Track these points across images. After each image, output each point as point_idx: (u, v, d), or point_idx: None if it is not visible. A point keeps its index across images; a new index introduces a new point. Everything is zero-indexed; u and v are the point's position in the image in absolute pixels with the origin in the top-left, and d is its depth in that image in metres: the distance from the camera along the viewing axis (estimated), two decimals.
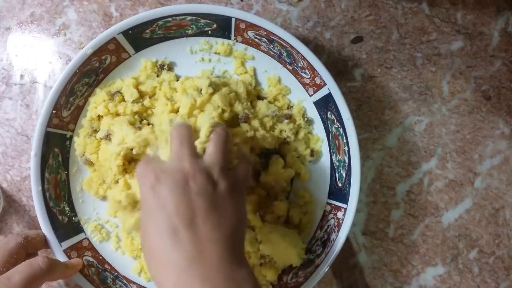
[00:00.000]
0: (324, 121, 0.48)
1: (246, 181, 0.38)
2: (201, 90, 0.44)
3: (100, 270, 0.47)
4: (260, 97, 0.49)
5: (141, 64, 0.49)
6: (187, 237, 0.32)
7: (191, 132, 0.37)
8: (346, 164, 0.45)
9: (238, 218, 0.35)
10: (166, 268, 0.32)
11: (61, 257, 0.45)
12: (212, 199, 0.34)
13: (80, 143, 0.47)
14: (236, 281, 0.32)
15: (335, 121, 0.46)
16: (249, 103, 0.47)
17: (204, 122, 0.39)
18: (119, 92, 0.47)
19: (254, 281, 0.33)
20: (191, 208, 0.33)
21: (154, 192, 0.34)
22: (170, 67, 0.49)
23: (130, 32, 0.46)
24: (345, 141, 0.45)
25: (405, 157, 0.52)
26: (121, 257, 0.48)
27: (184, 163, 0.35)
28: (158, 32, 0.47)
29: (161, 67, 0.49)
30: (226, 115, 0.43)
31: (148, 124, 0.46)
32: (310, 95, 0.48)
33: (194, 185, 0.34)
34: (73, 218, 0.47)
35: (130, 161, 0.46)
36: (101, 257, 0.48)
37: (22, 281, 0.38)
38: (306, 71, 0.46)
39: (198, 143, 0.37)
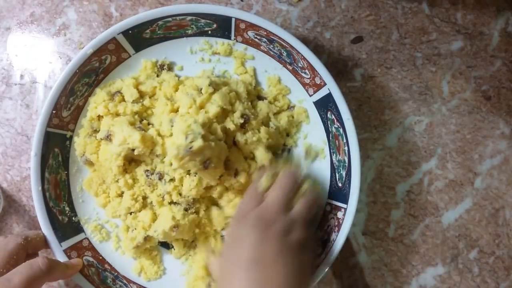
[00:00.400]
0: (324, 121, 0.48)
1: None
2: (201, 89, 0.44)
3: (100, 270, 0.47)
4: (260, 97, 0.49)
5: (141, 64, 0.49)
6: (255, 276, 0.37)
7: (294, 184, 0.43)
8: (346, 164, 0.45)
9: (306, 260, 0.41)
10: None
11: (61, 257, 0.45)
12: (282, 244, 0.39)
13: (80, 143, 0.47)
14: None
15: (335, 121, 0.46)
16: (249, 103, 0.47)
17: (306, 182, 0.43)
18: (119, 92, 0.47)
19: None
20: (262, 252, 0.38)
21: (238, 224, 0.41)
22: (170, 67, 0.49)
23: (130, 32, 0.46)
24: (345, 141, 0.45)
25: (405, 157, 0.52)
26: (121, 257, 0.48)
27: (270, 211, 0.40)
28: (158, 32, 0.47)
29: (161, 67, 0.49)
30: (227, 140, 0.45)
31: (148, 124, 0.46)
32: (310, 95, 0.48)
33: (270, 232, 0.39)
34: (73, 218, 0.47)
35: (130, 161, 0.46)
36: (101, 257, 0.48)
37: (22, 282, 0.38)
38: (306, 71, 0.46)
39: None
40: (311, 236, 0.42)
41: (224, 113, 0.45)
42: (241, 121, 0.44)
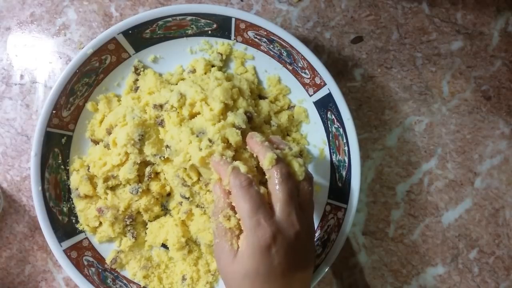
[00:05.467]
0: (324, 121, 0.48)
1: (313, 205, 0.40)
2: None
3: (100, 270, 0.47)
4: (261, 97, 0.49)
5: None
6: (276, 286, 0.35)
7: (259, 192, 0.36)
8: (346, 164, 0.45)
9: (313, 256, 0.39)
10: None
11: (61, 257, 0.45)
12: (292, 250, 0.36)
13: (75, 179, 0.47)
14: None
15: (335, 121, 0.46)
16: (252, 101, 0.47)
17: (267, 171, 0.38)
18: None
19: None
20: (280, 265, 0.35)
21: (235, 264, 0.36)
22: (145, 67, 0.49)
23: (130, 32, 0.46)
24: (345, 141, 0.45)
25: (405, 157, 0.52)
26: None
27: (262, 230, 0.35)
28: (158, 32, 0.47)
29: (136, 69, 0.49)
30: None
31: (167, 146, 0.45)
32: (310, 95, 0.48)
33: (275, 247, 0.35)
34: (73, 218, 0.47)
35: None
36: (101, 257, 0.48)
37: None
38: (306, 71, 0.46)
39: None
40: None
41: (226, 109, 0.44)
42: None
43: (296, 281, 0.36)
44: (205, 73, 0.48)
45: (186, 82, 0.45)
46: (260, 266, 0.34)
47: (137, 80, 0.49)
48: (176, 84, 0.48)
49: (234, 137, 0.40)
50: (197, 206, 0.46)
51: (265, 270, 0.35)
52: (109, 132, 0.46)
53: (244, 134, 0.41)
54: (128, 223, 0.47)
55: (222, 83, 0.44)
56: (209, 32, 0.48)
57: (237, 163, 0.38)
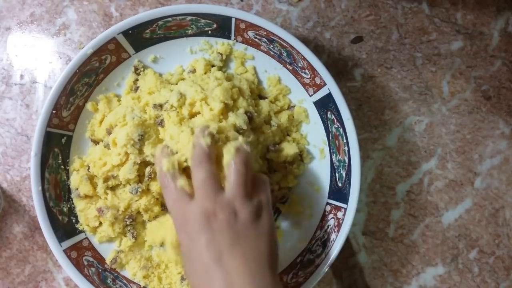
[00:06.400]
0: (324, 121, 0.48)
1: (270, 199, 0.39)
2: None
3: (100, 270, 0.47)
4: (261, 97, 0.49)
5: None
6: (217, 274, 0.34)
7: (212, 161, 0.37)
8: (346, 164, 0.45)
9: (265, 243, 0.36)
10: None
11: (61, 257, 0.45)
12: (235, 233, 0.35)
13: (75, 178, 0.47)
14: None
15: (335, 121, 0.46)
16: (253, 101, 0.47)
17: (227, 150, 0.38)
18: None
19: None
20: (217, 246, 0.35)
21: (185, 234, 0.36)
22: (145, 68, 0.49)
23: (130, 32, 0.46)
24: (345, 141, 0.45)
25: (405, 157, 0.52)
26: None
27: (206, 202, 0.35)
28: (158, 32, 0.47)
29: (136, 69, 0.49)
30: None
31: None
32: (310, 95, 0.48)
33: (216, 223, 0.35)
34: (73, 218, 0.47)
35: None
36: (101, 257, 0.48)
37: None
38: (306, 71, 0.46)
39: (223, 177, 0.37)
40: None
41: (226, 109, 0.44)
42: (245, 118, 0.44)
43: (231, 268, 0.35)
44: (205, 73, 0.48)
45: (186, 82, 0.45)
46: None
47: (137, 80, 0.49)
48: (176, 84, 0.48)
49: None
50: None
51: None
52: (109, 132, 0.46)
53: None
54: (128, 223, 0.47)
55: (222, 83, 0.44)
56: (209, 32, 0.48)
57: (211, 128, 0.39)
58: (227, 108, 0.44)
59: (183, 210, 0.37)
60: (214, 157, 0.38)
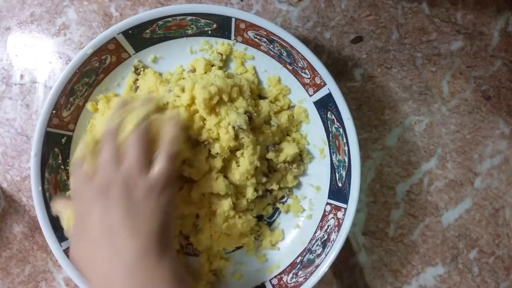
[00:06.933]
0: (324, 121, 0.48)
1: (168, 176, 0.38)
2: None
3: None
4: (261, 97, 0.49)
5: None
6: (106, 250, 0.34)
7: (113, 132, 0.38)
8: (346, 164, 0.45)
9: (158, 218, 0.36)
10: (94, 276, 0.35)
11: (61, 257, 0.45)
12: (127, 207, 0.35)
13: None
14: (152, 283, 0.34)
15: (335, 121, 0.46)
16: (253, 101, 0.47)
17: (130, 120, 0.39)
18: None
19: (172, 276, 0.34)
20: (109, 221, 0.35)
21: (79, 213, 0.37)
22: (145, 67, 0.49)
23: (130, 32, 0.46)
24: (345, 141, 0.45)
25: (405, 157, 0.52)
26: None
27: (103, 178, 0.36)
28: (158, 32, 0.47)
29: (136, 69, 0.49)
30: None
31: None
32: (310, 95, 0.48)
33: (110, 197, 0.36)
34: None
35: None
36: None
37: None
38: (306, 71, 0.46)
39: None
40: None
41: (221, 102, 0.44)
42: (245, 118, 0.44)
43: (119, 243, 0.35)
44: (205, 73, 0.48)
45: (186, 80, 0.45)
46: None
47: (137, 80, 0.49)
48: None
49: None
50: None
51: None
52: None
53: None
54: None
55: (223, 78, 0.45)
56: (209, 32, 0.48)
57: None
58: (222, 102, 0.44)
59: (81, 189, 0.38)
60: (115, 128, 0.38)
